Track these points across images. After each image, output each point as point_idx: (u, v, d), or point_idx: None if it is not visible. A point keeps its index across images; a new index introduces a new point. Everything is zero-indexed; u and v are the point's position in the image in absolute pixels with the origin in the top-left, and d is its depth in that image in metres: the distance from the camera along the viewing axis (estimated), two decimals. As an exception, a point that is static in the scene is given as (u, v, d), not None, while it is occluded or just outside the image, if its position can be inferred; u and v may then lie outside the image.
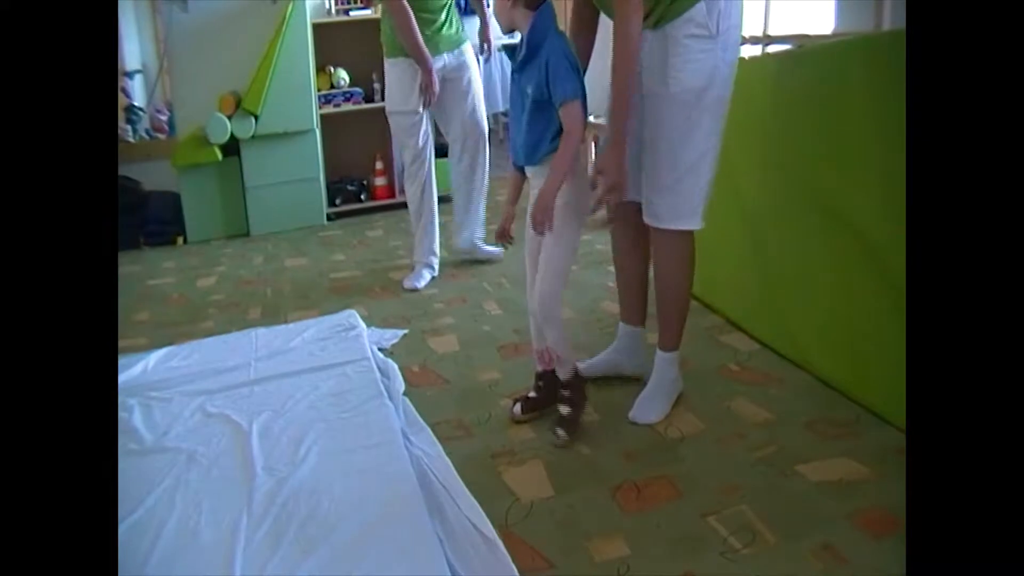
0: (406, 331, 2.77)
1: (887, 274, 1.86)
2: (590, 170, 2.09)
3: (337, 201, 4.51)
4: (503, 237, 2.06)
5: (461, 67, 3.21)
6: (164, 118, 4.89)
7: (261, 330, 2.79)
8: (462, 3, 4.52)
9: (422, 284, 3.24)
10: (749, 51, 3.35)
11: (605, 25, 2.06)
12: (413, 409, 2.16)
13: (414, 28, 2.95)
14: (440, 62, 3.11)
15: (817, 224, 2.13)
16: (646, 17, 1.84)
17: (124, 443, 2.02)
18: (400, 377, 2.35)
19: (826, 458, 1.83)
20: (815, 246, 2.15)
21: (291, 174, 4.28)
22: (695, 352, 2.38)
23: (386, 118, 3.28)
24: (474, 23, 3.72)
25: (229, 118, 4.06)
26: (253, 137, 4.13)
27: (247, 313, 3.10)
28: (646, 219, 2.02)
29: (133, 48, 4.97)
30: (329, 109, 4.36)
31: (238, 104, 4.11)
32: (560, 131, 1.83)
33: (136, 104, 4.82)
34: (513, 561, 1.51)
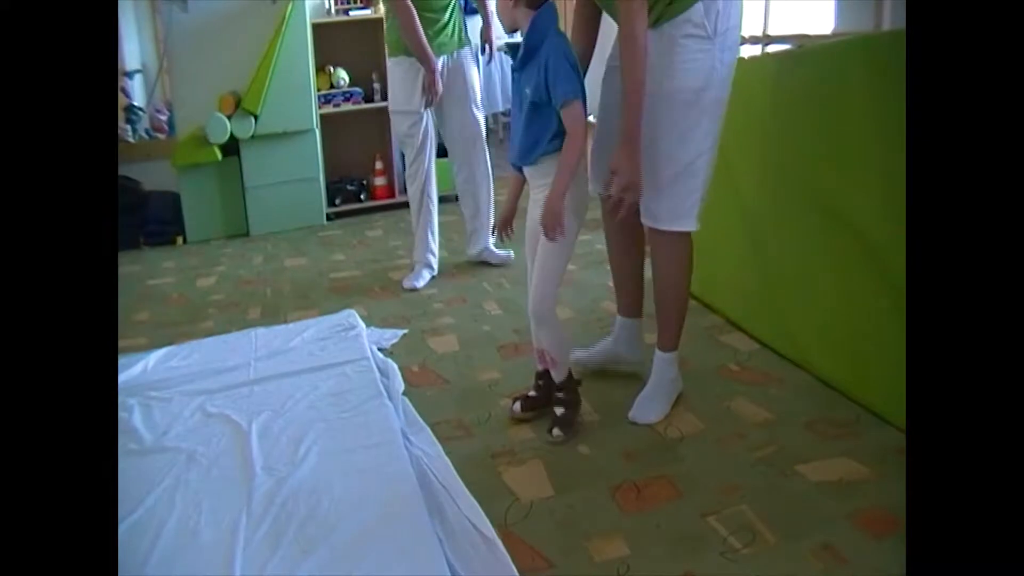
0: (406, 331, 2.77)
1: (887, 274, 1.86)
2: (589, 170, 2.09)
3: (337, 201, 4.51)
4: (503, 230, 2.06)
5: (460, 69, 3.20)
6: (164, 118, 4.88)
7: (261, 330, 2.79)
8: (463, 2, 4.51)
9: (422, 284, 3.24)
10: (749, 51, 3.35)
11: (605, 25, 2.06)
12: (413, 409, 2.16)
13: (418, 27, 2.95)
14: (441, 62, 3.11)
15: (817, 224, 2.13)
16: None
17: (124, 443, 2.02)
18: (400, 377, 2.35)
19: (826, 458, 1.83)
20: (815, 246, 2.15)
21: (291, 174, 4.27)
22: (695, 352, 2.38)
23: (386, 118, 3.28)
24: (476, 22, 3.72)
25: (229, 118, 4.06)
26: (253, 137, 4.13)
27: (247, 313, 3.10)
28: (644, 220, 2.02)
29: (133, 48, 4.97)
30: (329, 109, 4.36)
31: (238, 104, 4.10)
32: (558, 132, 1.82)
33: (136, 104, 4.82)
34: (513, 561, 1.51)
